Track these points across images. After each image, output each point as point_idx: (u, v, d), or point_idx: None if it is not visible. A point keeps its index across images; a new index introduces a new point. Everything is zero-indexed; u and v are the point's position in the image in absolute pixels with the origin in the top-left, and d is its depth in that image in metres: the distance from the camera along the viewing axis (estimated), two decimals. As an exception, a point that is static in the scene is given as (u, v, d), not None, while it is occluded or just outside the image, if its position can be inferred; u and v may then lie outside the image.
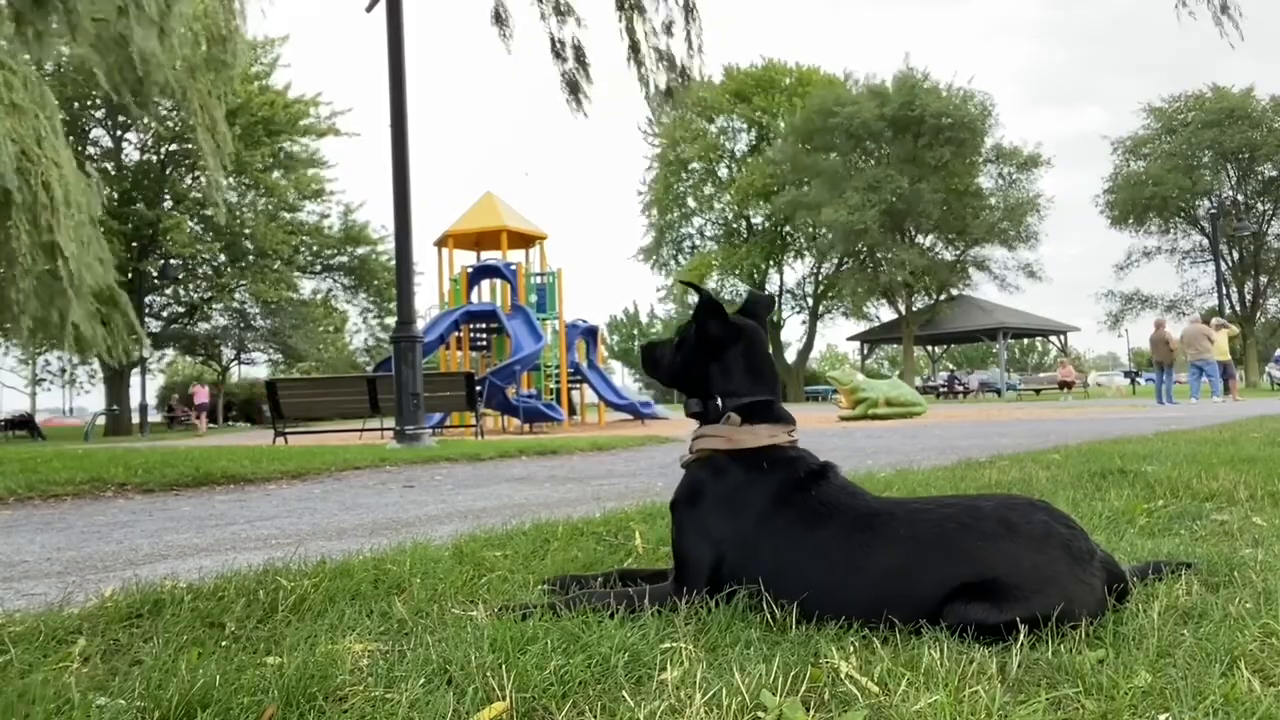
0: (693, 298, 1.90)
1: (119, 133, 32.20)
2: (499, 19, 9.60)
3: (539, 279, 18.46)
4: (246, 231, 33.91)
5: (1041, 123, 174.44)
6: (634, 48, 9.57)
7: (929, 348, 52.13)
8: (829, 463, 1.83)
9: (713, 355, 1.87)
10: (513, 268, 18.12)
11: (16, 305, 12.36)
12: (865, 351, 50.44)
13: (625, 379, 68.01)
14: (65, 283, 12.71)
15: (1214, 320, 19.96)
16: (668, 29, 9.49)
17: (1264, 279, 43.67)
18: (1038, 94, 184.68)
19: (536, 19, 9.67)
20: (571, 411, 18.95)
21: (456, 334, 17.87)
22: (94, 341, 13.82)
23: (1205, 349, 18.06)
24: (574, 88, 9.84)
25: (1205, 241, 43.43)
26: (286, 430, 12.42)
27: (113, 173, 31.75)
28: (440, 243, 18.75)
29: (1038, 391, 39.05)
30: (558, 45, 9.67)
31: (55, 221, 12.35)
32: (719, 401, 1.84)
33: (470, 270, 18.50)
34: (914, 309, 45.38)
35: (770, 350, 1.95)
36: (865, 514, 1.68)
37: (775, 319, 51.96)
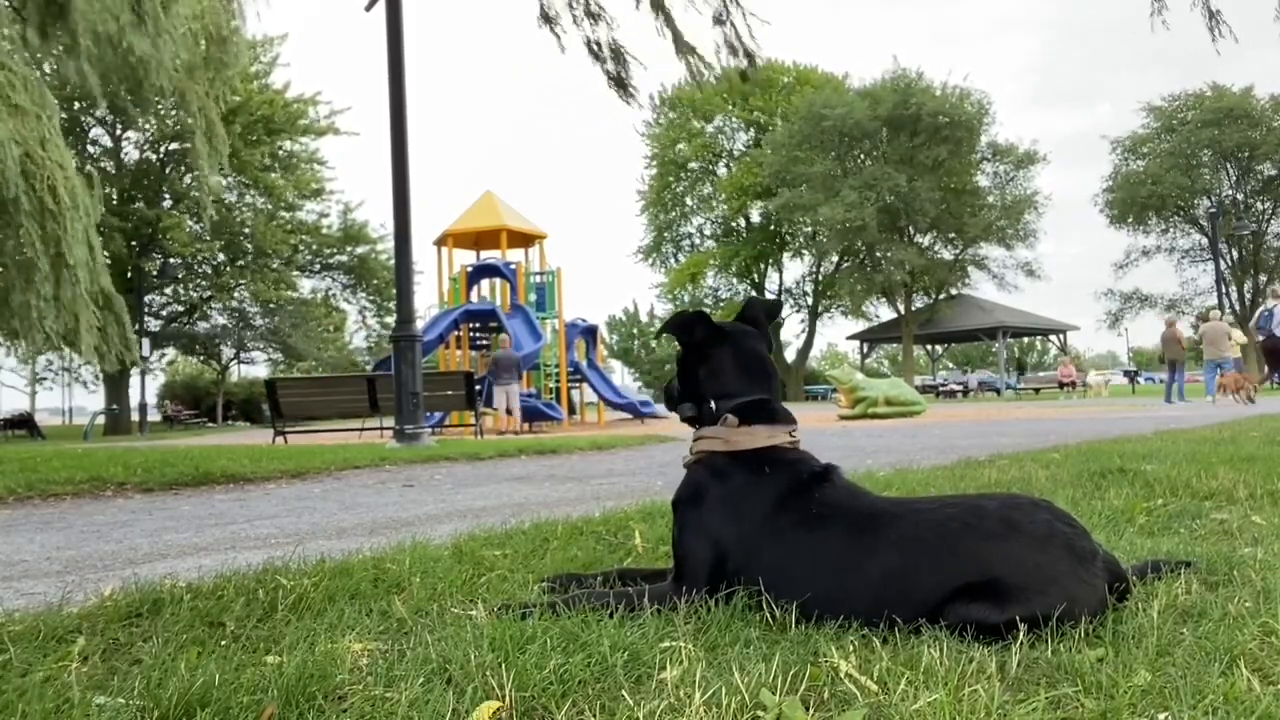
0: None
1: (119, 132, 32.19)
2: (548, 19, 9.69)
3: (538, 278, 18.47)
4: (246, 231, 33.91)
5: (1048, 120, 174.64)
6: (678, 39, 9.72)
7: (929, 347, 52.13)
8: (831, 465, 1.82)
9: (701, 359, 1.88)
10: (512, 267, 18.14)
11: (36, 311, 12.37)
12: (865, 351, 50.44)
13: (625, 378, 68.04)
14: (72, 288, 12.74)
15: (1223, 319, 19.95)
16: (718, 19, 9.65)
17: (1263, 278, 43.66)
18: (1044, 92, 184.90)
19: (547, 20, 9.74)
20: (571, 411, 18.96)
21: (456, 333, 17.87)
22: (92, 345, 13.85)
23: (1225, 348, 18.02)
24: (621, 83, 10.03)
25: (1205, 240, 43.46)
26: (286, 430, 12.42)
27: (112, 172, 31.73)
28: (440, 242, 18.76)
29: (1037, 391, 39.07)
30: (594, 47, 9.82)
31: (61, 228, 12.36)
32: (712, 404, 1.84)
33: (470, 269, 18.51)
34: (913, 308, 45.38)
35: (767, 351, 1.93)
36: (868, 514, 1.68)
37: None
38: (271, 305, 36.32)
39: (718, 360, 1.86)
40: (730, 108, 51.62)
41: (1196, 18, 8.66)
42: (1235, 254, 43.88)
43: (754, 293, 53.02)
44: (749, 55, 9.70)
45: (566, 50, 9.74)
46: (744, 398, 1.83)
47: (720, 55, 9.72)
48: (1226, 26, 8.55)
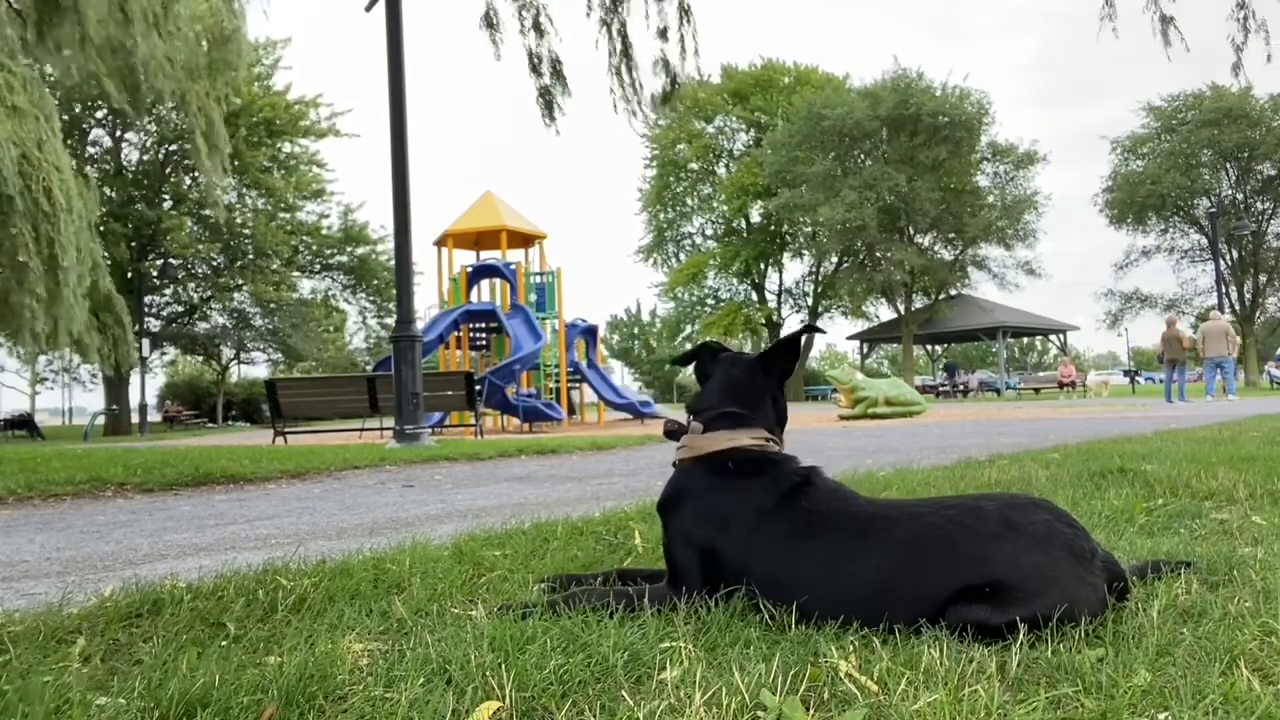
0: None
1: (119, 133, 32.21)
2: (490, 24, 9.64)
3: (538, 278, 18.45)
4: (246, 232, 33.92)
5: (1051, 119, 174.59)
6: (626, 52, 9.62)
7: (928, 347, 52.12)
8: (813, 466, 1.86)
9: (700, 382, 2.05)
10: (512, 267, 18.12)
11: (29, 310, 12.38)
12: (865, 351, 50.44)
13: (625, 378, 68.03)
14: (65, 290, 12.75)
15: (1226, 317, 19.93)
16: (662, 34, 9.55)
17: (1263, 278, 43.66)
18: (1046, 90, 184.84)
19: (517, 30, 9.73)
20: (571, 411, 18.95)
21: (456, 333, 17.86)
22: (92, 347, 13.87)
23: (1224, 347, 18.01)
24: (548, 102, 9.95)
25: (1204, 240, 43.42)
26: (286, 430, 12.42)
27: (112, 173, 31.74)
28: (440, 242, 18.74)
29: (1037, 391, 39.06)
30: (534, 60, 9.77)
31: (55, 229, 12.37)
32: (690, 419, 1.97)
33: (470, 270, 18.49)
34: (913, 308, 45.37)
35: (756, 378, 2.00)
36: (864, 518, 1.69)
37: (775, 319, 51.92)
38: (271, 306, 36.33)
39: (708, 385, 2.02)
40: (730, 108, 51.61)
41: (1199, 18, 8.73)
42: (1235, 254, 43.83)
43: (754, 293, 53.11)
44: (673, 78, 9.65)
45: (503, 59, 9.71)
46: (717, 410, 1.92)
47: (653, 72, 9.68)
48: (1179, 34, 8.72)
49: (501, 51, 9.71)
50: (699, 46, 9.65)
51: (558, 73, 9.81)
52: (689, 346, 2.18)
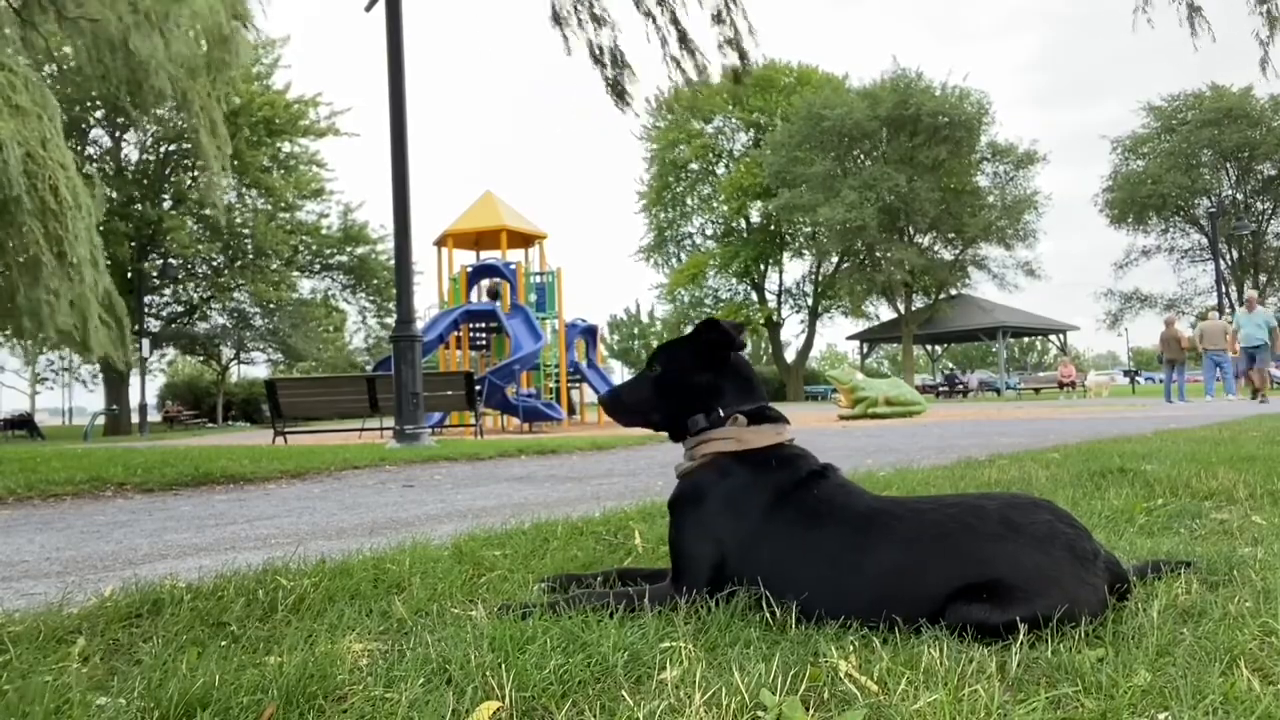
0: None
1: (118, 133, 32.20)
2: (558, 20, 9.79)
3: (538, 278, 18.45)
4: (246, 231, 33.92)
5: (1053, 118, 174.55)
6: (682, 38, 9.80)
7: (928, 347, 52.12)
8: (829, 464, 1.85)
9: (716, 370, 1.91)
10: (512, 267, 18.12)
11: (48, 307, 12.40)
12: (865, 351, 50.42)
13: (625, 378, 67.87)
14: (81, 286, 12.78)
15: (1225, 317, 19.97)
16: (717, 17, 9.75)
17: (1263, 278, 43.66)
18: (1048, 89, 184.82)
19: (558, 21, 9.87)
20: (571, 411, 18.95)
21: (456, 333, 17.86)
22: (104, 344, 13.92)
23: (1222, 344, 18.05)
24: (619, 90, 10.13)
25: (1204, 240, 43.44)
26: (286, 430, 12.42)
27: (112, 173, 31.75)
28: (440, 242, 18.74)
29: (1037, 391, 39.06)
30: (596, 51, 9.94)
31: (63, 227, 12.39)
32: (720, 411, 1.88)
33: (470, 269, 18.49)
34: (913, 308, 45.36)
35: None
36: (868, 513, 1.69)
37: (775, 319, 51.90)
38: (271, 305, 36.33)
39: (729, 372, 1.92)
40: (730, 108, 51.55)
41: (1204, 16, 8.73)
42: (1235, 254, 43.86)
43: (754, 293, 53.06)
44: (742, 54, 9.78)
45: (573, 53, 9.84)
46: (750, 404, 1.88)
47: (721, 53, 9.83)
48: (1206, 24, 8.71)
49: (571, 46, 9.92)
50: (752, 26, 9.89)
51: (621, 61, 10.00)
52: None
